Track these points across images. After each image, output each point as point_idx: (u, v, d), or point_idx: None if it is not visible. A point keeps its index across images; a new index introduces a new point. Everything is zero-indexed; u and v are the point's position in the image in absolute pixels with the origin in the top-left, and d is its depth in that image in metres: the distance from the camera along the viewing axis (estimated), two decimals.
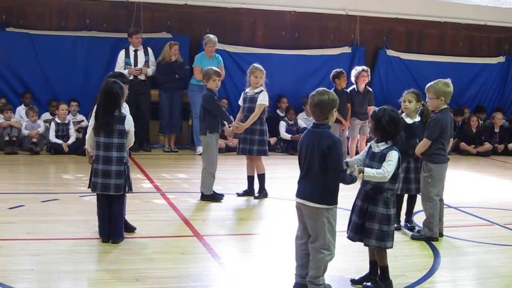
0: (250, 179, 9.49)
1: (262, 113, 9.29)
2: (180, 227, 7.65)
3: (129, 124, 6.75)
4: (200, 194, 9.06)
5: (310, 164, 5.47)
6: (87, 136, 6.98)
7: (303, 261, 5.64)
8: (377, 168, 5.54)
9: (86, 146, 7.13)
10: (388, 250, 5.71)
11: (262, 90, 9.27)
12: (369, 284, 5.77)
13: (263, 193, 9.39)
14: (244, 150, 9.30)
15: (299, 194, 5.59)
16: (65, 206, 8.37)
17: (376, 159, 5.63)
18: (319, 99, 5.47)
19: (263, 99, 9.22)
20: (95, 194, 6.89)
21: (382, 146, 5.66)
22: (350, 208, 5.85)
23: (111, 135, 6.66)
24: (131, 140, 6.84)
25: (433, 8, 16.08)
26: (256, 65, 9.41)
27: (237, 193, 9.45)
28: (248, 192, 9.46)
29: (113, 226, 6.75)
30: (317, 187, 5.44)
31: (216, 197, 9.06)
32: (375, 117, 5.74)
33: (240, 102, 9.48)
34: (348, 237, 5.81)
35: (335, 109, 5.50)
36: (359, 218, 5.69)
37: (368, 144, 5.92)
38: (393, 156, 5.54)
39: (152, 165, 11.80)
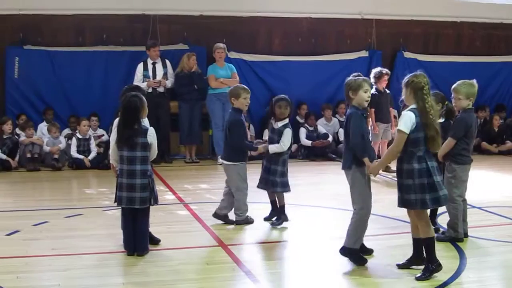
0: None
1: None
2: (204, 237, 7.67)
3: (151, 136, 6.78)
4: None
5: (225, 133, 8.18)
6: (110, 151, 7.03)
7: (223, 201, 8.26)
8: (277, 141, 7.88)
9: (111, 161, 7.17)
10: None
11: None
12: (274, 220, 8.12)
13: None
14: None
15: (221, 156, 8.46)
16: (89, 221, 8.43)
17: (275, 134, 7.96)
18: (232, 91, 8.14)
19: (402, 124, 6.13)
20: (119, 208, 6.92)
21: (280, 123, 7.97)
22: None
23: (134, 149, 6.68)
24: (154, 152, 6.88)
25: (449, 8, 16.00)
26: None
27: None
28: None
29: (138, 239, 6.77)
30: (227, 150, 8.16)
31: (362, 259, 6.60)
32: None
33: None
34: (258, 186, 8.15)
35: (242, 97, 7.94)
36: (265, 173, 8.04)
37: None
38: (287, 132, 7.88)
39: (174, 177, 11.82)
